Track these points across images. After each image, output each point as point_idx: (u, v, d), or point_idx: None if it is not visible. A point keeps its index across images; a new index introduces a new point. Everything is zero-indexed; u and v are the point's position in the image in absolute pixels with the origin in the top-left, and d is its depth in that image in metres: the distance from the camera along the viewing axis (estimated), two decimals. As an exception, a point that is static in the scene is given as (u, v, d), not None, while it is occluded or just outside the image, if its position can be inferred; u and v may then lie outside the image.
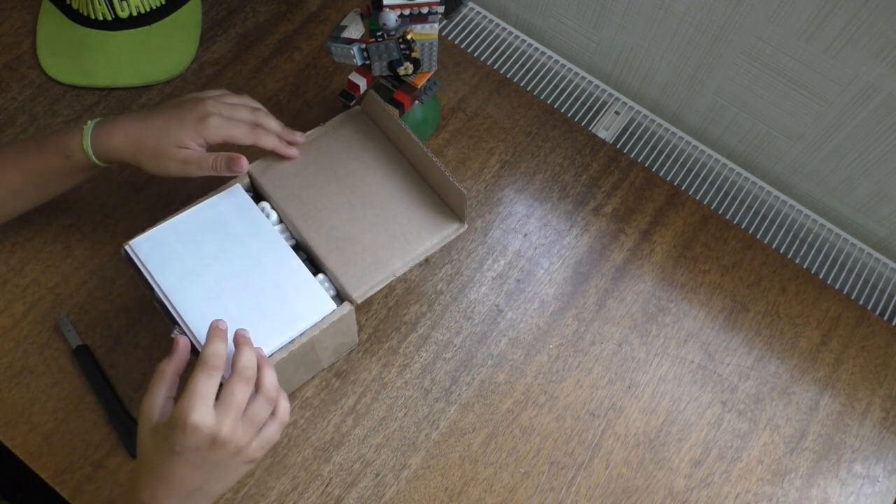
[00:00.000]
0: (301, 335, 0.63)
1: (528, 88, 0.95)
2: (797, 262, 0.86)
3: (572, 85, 0.97)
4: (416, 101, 0.80)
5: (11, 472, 0.90)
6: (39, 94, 0.87)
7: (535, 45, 0.99)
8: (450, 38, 0.98)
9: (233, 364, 0.57)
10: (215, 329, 0.58)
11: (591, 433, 0.74)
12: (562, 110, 0.94)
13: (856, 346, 0.80)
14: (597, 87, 0.96)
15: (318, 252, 0.67)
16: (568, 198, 0.86)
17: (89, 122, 0.67)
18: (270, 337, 0.62)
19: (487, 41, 0.99)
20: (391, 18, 0.69)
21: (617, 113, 0.95)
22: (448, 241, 0.69)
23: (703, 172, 0.93)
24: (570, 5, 0.93)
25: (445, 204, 0.70)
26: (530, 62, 0.98)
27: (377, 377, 0.75)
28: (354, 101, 0.77)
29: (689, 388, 0.77)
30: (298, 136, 0.72)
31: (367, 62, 0.73)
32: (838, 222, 0.91)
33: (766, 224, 0.90)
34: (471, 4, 1.01)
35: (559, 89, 0.97)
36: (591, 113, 0.95)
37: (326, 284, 0.67)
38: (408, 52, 0.72)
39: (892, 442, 0.76)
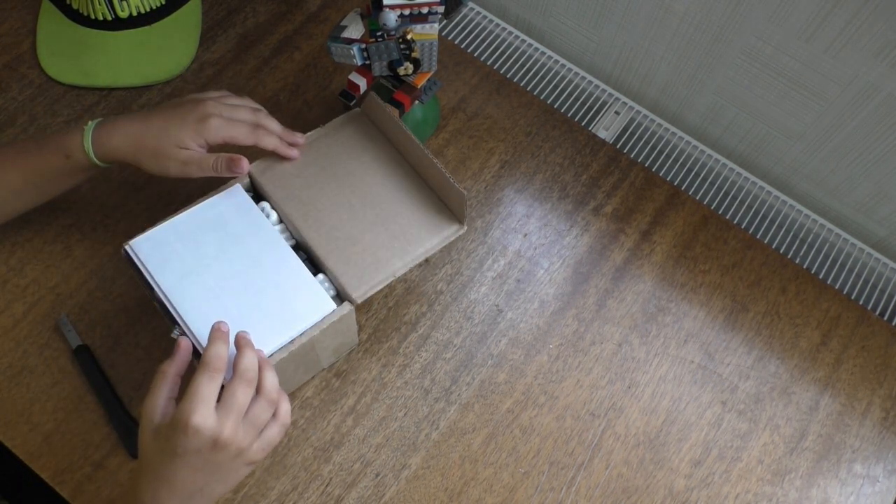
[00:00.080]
0: (301, 335, 0.63)
1: (528, 88, 0.95)
2: (797, 262, 0.86)
3: (572, 85, 0.97)
4: (416, 101, 0.80)
5: (11, 472, 0.90)
6: (39, 94, 0.87)
7: (535, 45, 0.99)
8: (450, 38, 0.98)
9: (234, 366, 0.57)
10: (217, 331, 0.58)
11: (591, 433, 0.74)
12: (562, 110, 0.94)
13: (856, 346, 0.80)
14: (597, 87, 0.96)
15: (318, 252, 0.67)
16: (568, 198, 0.86)
17: (90, 123, 0.67)
18: (270, 337, 0.62)
19: (487, 41, 0.99)
20: (391, 18, 0.69)
21: (617, 113, 0.95)
22: (448, 242, 0.69)
23: (703, 172, 0.93)
24: (570, 5, 0.93)
25: (445, 205, 0.70)
26: (530, 62, 0.98)
27: (377, 377, 0.75)
28: (354, 101, 0.77)
29: (689, 388, 0.77)
30: (299, 137, 0.72)
31: (367, 62, 0.73)
32: (838, 222, 0.91)
33: (766, 224, 0.90)
34: (471, 4, 1.01)
35: (559, 89, 0.97)
36: (591, 113, 0.95)
37: (326, 284, 0.67)
38: (408, 52, 0.72)
39: (892, 442, 0.76)
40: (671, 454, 0.74)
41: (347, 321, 0.68)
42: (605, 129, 0.93)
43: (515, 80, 0.95)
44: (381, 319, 0.78)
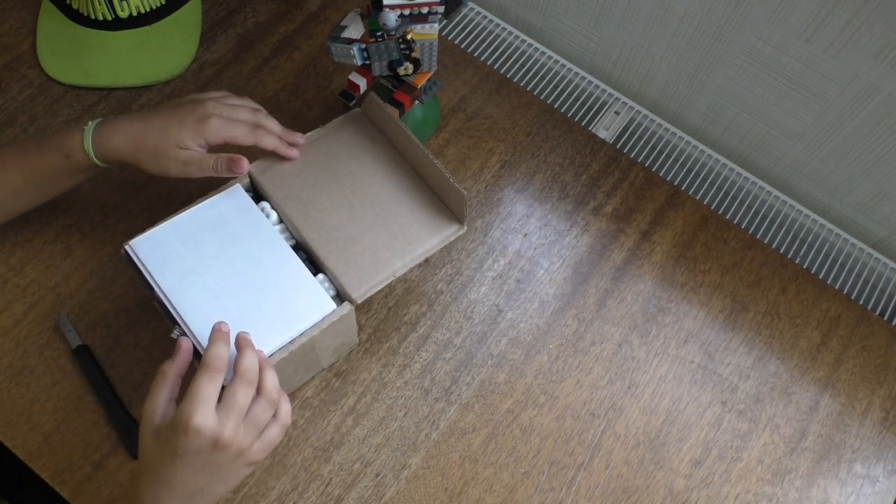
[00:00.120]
0: (301, 335, 0.63)
1: (528, 88, 0.95)
2: (797, 262, 0.86)
3: (572, 85, 0.97)
4: (416, 101, 0.80)
5: (11, 472, 0.90)
6: (39, 94, 0.87)
7: (535, 45, 0.99)
8: (450, 38, 0.98)
9: (235, 366, 0.57)
10: (218, 331, 0.58)
11: (591, 433, 0.74)
12: (562, 110, 0.94)
13: (856, 346, 0.80)
14: (597, 87, 0.96)
15: (318, 252, 0.67)
16: (568, 198, 0.86)
17: (90, 123, 0.67)
18: (270, 337, 0.62)
19: (487, 41, 0.99)
20: (391, 18, 0.69)
21: (617, 113, 0.95)
22: (448, 242, 0.69)
23: (703, 172, 0.93)
24: (570, 5, 0.93)
25: (445, 205, 0.70)
26: (530, 62, 0.98)
27: (377, 377, 0.75)
28: (354, 101, 0.77)
29: (689, 388, 0.77)
30: (298, 137, 0.72)
31: (367, 62, 0.73)
32: (838, 222, 0.91)
33: (766, 224, 0.90)
34: (471, 4, 1.01)
35: (559, 89, 0.97)
36: (591, 113, 0.95)
37: (326, 284, 0.67)
38: (408, 52, 0.72)
39: (892, 442, 0.76)
40: (671, 454, 0.74)
41: (347, 321, 0.68)
42: (605, 129, 0.93)
43: (515, 80, 0.95)
44: (381, 319, 0.78)
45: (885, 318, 0.84)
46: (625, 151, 0.91)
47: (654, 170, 0.90)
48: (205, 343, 0.61)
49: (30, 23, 0.92)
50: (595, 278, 0.82)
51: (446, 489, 0.71)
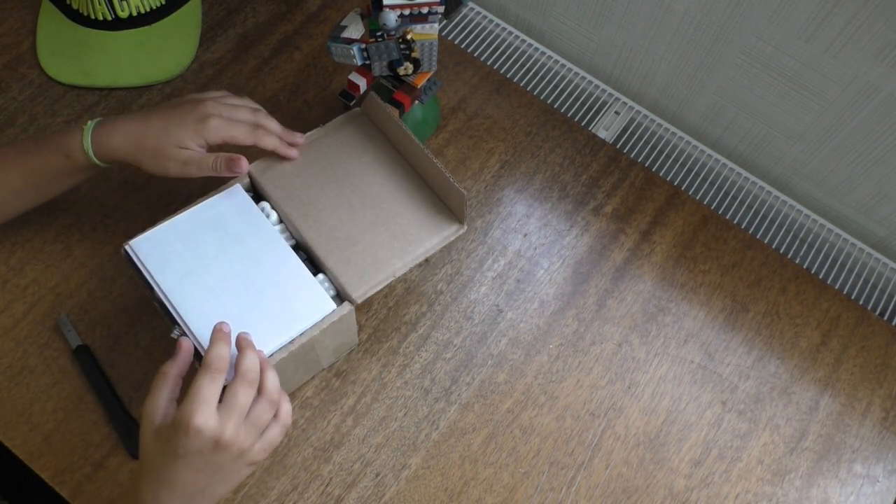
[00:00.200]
0: (301, 335, 0.63)
1: (528, 88, 0.95)
2: (797, 262, 0.86)
3: (572, 85, 0.97)
4: (416, 101, 0.80)
5: (11, 472, 0.90)
6: (39, 94, 0.87)
7: (535, 45, 0.99)
8: (450, 38, 0.98)
9: (236, 367, 0.57)
10: (219, 332, 0.58)
11: (591, 433, 0.74)
12: (562, 110, 0.94)
13: (856, 346, 0.80)
14: (597, 87, 0.96)
15: (318, 252, 0.67)
16: (568, 198, 0.86)
17: (89, 122, 0.67)
18: (270, 337, 0.62)
19: (487, 41, 0.99)
20: (391, 18, 0.69)
21: (617, 113, 0.95)
22: (448, 242, 0.69)
23: (703, 172, 0.93)
24: (570, 5, 0.93)
25: (445, 205, 0.70)
26: (530, 62, 0.98)
27: (377, 377, 0.75)
28: (354, 101, 0.77)
29: (689, 388, 0.77)
30: (298, 137, 0.72)
31: (367, 62, 0.73)
32: (838, 222, 0.91)
33: (766, 224, 0.90)
34: (471, 4, 1.01)
35: (559, 89, 0.97)
36: (591, 113, 0.95)
37: (326, 284, 0.67)
38: (408, 52, 0.72)
39: (892, 442, 0.76)
40: (671, 454, 0.74)
41: (347, 321, 0.68)
42: (605, 129, 0.93)
43: (515, 80, 0.95)
44: (381, 319, 0.78)
45: (885, 318, 0.84)
46: (625, 151, 0.91)
47: (654, 170, 0.91)
48: (205, 343, 0.61)
49: (30, 23, 0.92)
50: (595, 278, 0.82)
51: (446, 489, 0.71)
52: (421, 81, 0.77)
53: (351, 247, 0.68)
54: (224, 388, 0.56)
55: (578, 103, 0.96)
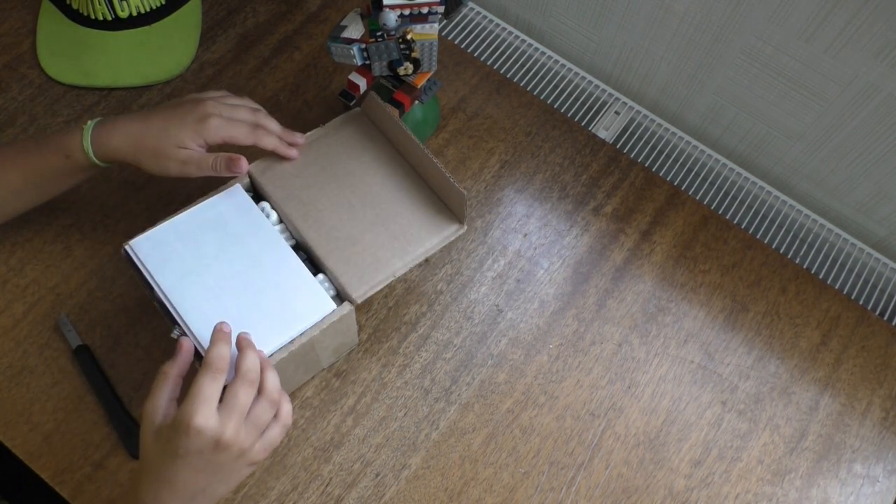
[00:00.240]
0: (301, 335, 0.63)
1: (528, 88, 0.95)
2: (797, 262, 0.86)
3: (572, 85, 0.97)
4: (416, 101, 0.80)
5: (11, 472, 0.90)
6: (39, 94, 0.87)
7: (535, 45, 0.99)
8: (450, 38, 0.98)
9: (236, 367, 0.57)
10: (219, 332, 0.58)
11: (591, 433, 0.74)
12: (562, 110, 0.94)
13: (856, 346, 0.80)
14: (597, 87, 0.96)
15: (318, 252, 0.67)
16: (568, 198, 0.86)
17: (89, 122, 0.67)
18: (270, 337, 0.62)
19: (487, 41, 0.99)
20: (391, 18, 0.69)
21: (617, 113, 0.95)
22: (448, 242, 0.69)
23: (703, 172, 0.93)
24: (570, 5, 0.93)
25: (445, 205, 0.70)
26: (530, 62, 0.98)
27: (377, 377, 0.75)
28: (354, 101, 0.77)
29: (689, 388, 0.77)
30: (298, 137, 0.72)
31: (367, 62, 0.73)
32: (838, 222, 0.91)
33: (766, 224, 0.90)
34: (471, 4, 1.01)
35: (559, 89, 0.97)
36: (591, 113, 0.95)
37: (326, 284, 0.67)
38: (408, 52, 0.72)
39: (892, 442, 0.76)
40: (671, 454, 0.74)
41: (347, 321, 0.68)
42: (605, 129, 0.93)
43: (515, 80, 0.95)
44: (381, 319, 0.78)
45: (885, 318, 0.84)
46: (625, 151, 0.91)
47: (654, 170, 0.91)
48: (204, 343, 0.61)
49: (30, 23, 0.92)
50: (595, 278, 0.82)
51: (446, 489, 0.71)
52: (421, 81, 0.77)
53: (351, 247, 0.68)
54: (224, 388, 0.56)
55: (578, 103, 0.96)
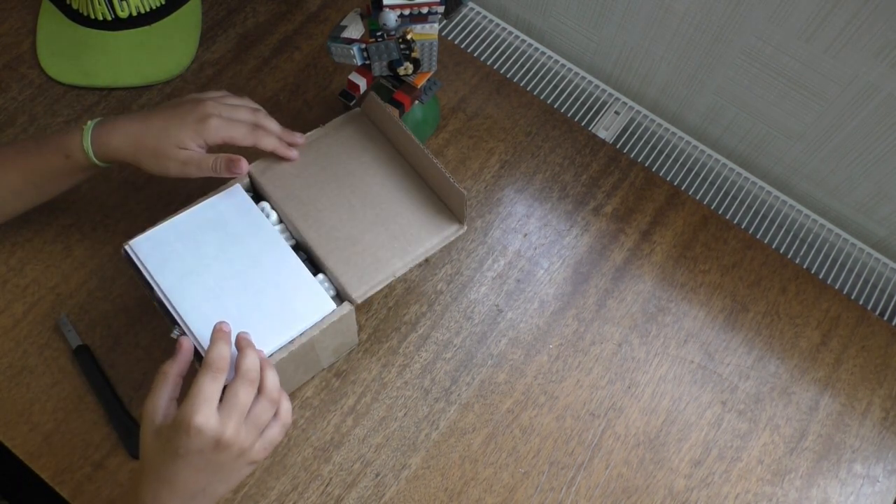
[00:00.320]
0: (301, 335, 0.63)
1: (528, 88, 0.95)
2: (797, 262, 0.86)
3: (572, 85, 0.97)
4: (416, 101, 0.80)
5: (11, 472, 0.90)
6: (39, 94, 0.87)
7: (535, 45, 0.99)
8: (450, 38, 0.98)
9: (236, 366, 0.57)
10: (219, 331, 0.58)
11: (591, 433, 0.74)
12: (562, 110, 0.94)
13: (856, 346, 0.80)
14: (597, 87, 0.96)
15: (318, 252, 0.67)
16: (568, 198, 0.86)
17: (89, 122, 0.67)
18: (270, 337, 0.62)
19: (487, 41, 0.99)
20: (391, 18, 0.69)
21: (617, 113, 0.95)
22: (448, 242, 0.69)
23: (703, 172, 0.93)
24: (570, 5, 0.93)
25: (445, 205, 0.71)
26: (530, 62, 0.98)
27: (377, 377, 0.75)
28: (354, 101, 0.77)
29: (689, 388, 0.77)
30: (298, 137, 0.72)
31: (367, 62, 0.73)
32: (838, 222, 0.91)
33: (766, 224, 0.90)
34: (471, 4, 1.01)
35: (559, 89, 0.97)
36: (591, 113, 0.95)
37: (326, 284, 0.67)
38: (408, 52, 0.72)
39: (892, 442, 0.76)
40: (671, 454, 0.74)
41: (347, 321, 0.68)
42: (605, 129, 0.93)
43: (515, 80, 0.95)
44: (381, 319, 0.78)
45: (885, 318, 0.84)
46: (625, 151, 0.91)
47: (654, 170, 0.91)
48: (204, 343, 0.61)
49: (30, 23, 0.92)
50: (595, 278, 0.82)
51: (446, 489, 0.71)
52: (421, 81, 0.77)
53: (351, 247, 0.68)
54: (224, 387, 0.56)
55: (578, 103, 0.96)
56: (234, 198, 0.69)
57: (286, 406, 0.59)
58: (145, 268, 0.64)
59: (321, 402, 0.73)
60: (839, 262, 0.88)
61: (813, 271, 0.87)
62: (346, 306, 0.65)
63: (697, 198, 0.89)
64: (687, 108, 0.93)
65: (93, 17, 0.86)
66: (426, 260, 0.77)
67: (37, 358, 0.73)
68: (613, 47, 0.94)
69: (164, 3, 0.89)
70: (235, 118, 0.68)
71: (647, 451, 0.74)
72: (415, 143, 0.70)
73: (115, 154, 0.67)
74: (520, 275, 0.81)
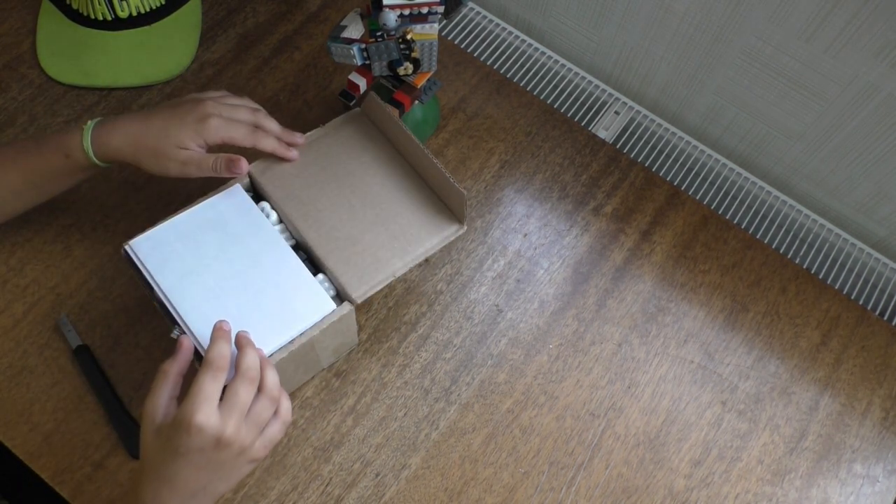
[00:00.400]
0: (301, 335, 0.63)
1: (528, 88, 0.95)
2: (797, 262, 0.86)
3: (572, 85, 0.97)
4: (416, 101, 0.80)
5: (11, 472, 0.90)
6: (39, 94, 0.87)
7: (535, 45, 0.99)
8: (450, 38, 0.98)
9: (236, 365, 0.57)
10: (219, 330, 0.58)
11: (591, 433, 0.74)
12: (562, 110, 0.94)
13: (856, 346, 0.80)
14: (597, 87, 0.96)
15: (318, 252, 0.67)
16: (568, 198, 0.86)
17: (89, 122, 0.67)
18: (270, 337, 0.62)
19: (487, 41, 0.99)
20: (391, 18, 0.69)
21: (617, 113, 0.95)
22: (448, 242, 0.69)
23: (703, 172, 0.93)
24: (570, 5, 0.93)
25: (445, 205, 0.71)
26: (530, 62, 0.98)
27: (377, 377, 0.75)
28: (354, 101, 0.77)
29: (689, 388, 0.77)
30: (298, 138, 0.72)
31: (367, 62, 0.73)
32: (838, 222, 0.91)
33: (766, 224, 0.90)
34: (471, 4, 1.01)
35: (559, 89, 0.97)
36: (591, 113, 0.95)
37: (326, 284, 0.67)
38: (408, 52, 0.72)
39: (892, 442, 0.76)
40: (671, 454, 0.74)
41: (347, 321, 0.68)
42: (605, 129, 0.93)
43: (515, 80, 0.95)
44: (381, 319, 0.78)
45: (885, 318, 0.84)
46: (625, 151, 0.91)
47: (654, 170, 0.91)
48: (204, 343, 0.61)
49: (30, 23, 0.92)
50: (595, 278, 0.82)
51: (446, 489, 0.71)
52: (421, 81, 0.77)
53: (351, 247, 0.68)
54: (224, 386, 0.56)
55: (578, 103, 0.96)
56: (234, 198, 0.69)
57: (286, 404, 0.60)
58: (145, 268, 0.64)
59: (321, 402, 0.73)
60: (839, 262, 0.88)
61: (813, 271, 0.87)
62: (346, 306, 0.65)
63: (697, 198, 0.89)
64: (687, 108, 0.93)
65: (93, 17, 0.86)
66: (426, 260, 0.77)
67: (37, 358, 0.73)
68: (613, 47, 0.94)
69: (164, 3, 0.89)
70: (235, 118, 0.68)
71: (647, 451, 0.74)
72: (415, 143, 0.70)
73: (115, 154, 0.67)
74: (520, 275, 0.81)
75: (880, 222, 0.88)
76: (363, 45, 0.71)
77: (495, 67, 0.96)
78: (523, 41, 0.99)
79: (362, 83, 0.76)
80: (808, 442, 0.75)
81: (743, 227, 0.89)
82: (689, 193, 0.88)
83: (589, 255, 0.83)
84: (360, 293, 0.65)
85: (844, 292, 0.85)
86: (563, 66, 0.98)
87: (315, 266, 0.68)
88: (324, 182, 0.71)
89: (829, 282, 0.86)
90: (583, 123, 0.93)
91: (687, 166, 0.93)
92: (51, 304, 0.75)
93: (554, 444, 0.73)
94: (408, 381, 0.75)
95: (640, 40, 0.90)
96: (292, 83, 0.90)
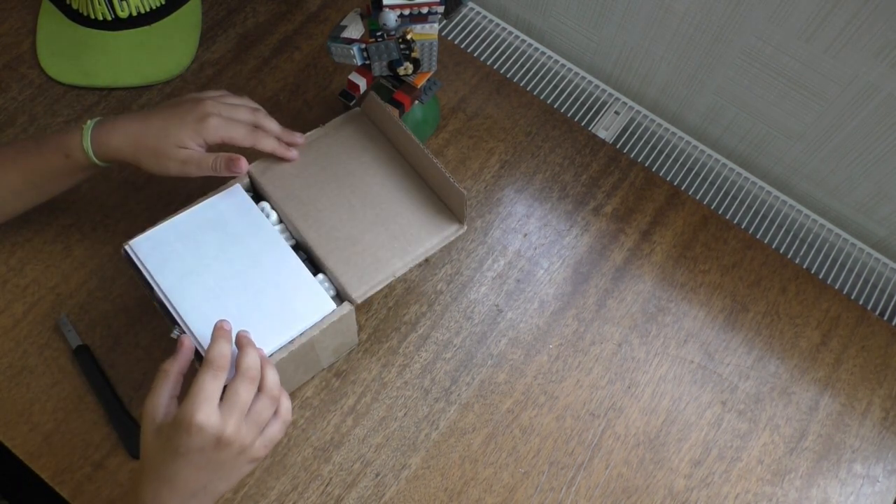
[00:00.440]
0: (301, 335, 0.63)
1: (528, 88, 0.95)
2: (797, 262, 0.86)
3: (572, 85, 0.97)
4: (416, 101, 0.80)
5: (11, 472, 0.90)
6: (39, 94, 0.87)
7: (535, 45, 0.99)
8: (450, 38, 0.98)
9: (237, 365, 0.57)
10: (220, 329, 0.58)
11: (591, 433, 0.74)
12: (562, 110, 0.94)
13: (856, 346, 0.80)
14: (597, 87, 0.96)
15: (318, 252, 0.67)
16: (568, 198, 0.86)
17: (89, 122, 0.67)
18: (270, 337, 0.62)
19: (487, 41, 0.99)
20: (391, 18, 0.69)
21: (617, 113, 0.95)
22: (448, 242, 0.69)
23: (703, 172, 0.93)
24: (570, 5, 0.93)
25: (445, 205, 0.71)
26: (530, 62, 0.98)
27: (377, 377, 0.75)
28: (354, 101, 0.77)
29: (689, 388, 0.77)
30: (298, 137, 0.72)
31: (367, 62, 0.73)
32: (838, 222, 0.91)
33: (766, 224, 0.90)
34: (471, 4, 1.01)
35: (559, 89, 0.97)
36: (591, 113, 0.95)
37: (326, 284, 0.67)
38: (408, 52, 0.72)
39: (892, 442, 0.76)
40: (671, 454, 0.74)
41: (347, 321, 0.68)
42: (605, 129, 0.93)
43: (515, 80, 0.95)
44: (381, 319, 0.78)
45: (885, 318, 0.84)
46: (625, 151, 0.91)
47: (654, 170, 0.91)
48: (204, 343, 0.61)
49: (30, 23, 0.92)
50: (595, 278, 0.82)
51: (446, 489, 0.71)
52: (421, 81, 0.77)
53: (351, 247, 0.68)
54: (225, 386, 0.56)
55: (578, 103, 0.96)
56: (234, 198, 0.69)
57: (286, 404, 0.60)
58: (145, 268, 0.64)
59: (321, 402, 0.73)
60: (839, 262, 0.88)
61: (813, 271, 0.87)
62: (346, 306, 0.65)
63: (697, 198, 0.89)
64: (687, 108, 0.93)
65: (93, 17, 0.86)
66: (426, 260, 0.77)
67: (37, 358, 0.73)
68: (613, 47, 0.94)
69: (164, 3, 0.89)
70: (235, 118, 0.68)
71: (647, 451, 0.74)
72: (415, 143, 0.70)
73: (115, 154, 0.67)
74: (520, 275, 0.81)
75: (880, 222, 0.88)
76: (363, 45, 0.71)
77: (495, 67, 0.96)
78: (523, 41, 0.99)
79: (362, 83, 0.76)
80: (808, 442, 0.75)
81: (743, 227, 0.89)
82: (689, 193, 0.88)
83: (589, 255, 0.83)
84: (360, 293, 0.65)
85: (844, 292, 0.85)
86: (563, 66, 0.98)
87: (315, 266, 0.68)
88: (324, 182, 0.71)
89: (829, 282, 0.86)
90: (583, 123, 0.93)
91: (687, 166, 0.93)
92: (51, 304, 0.75)
93: (554, 444, 0.73)
94: (408, 381, 0.75)
95: (640, 40, 0.90)
96: (292, 83, 0.90)
